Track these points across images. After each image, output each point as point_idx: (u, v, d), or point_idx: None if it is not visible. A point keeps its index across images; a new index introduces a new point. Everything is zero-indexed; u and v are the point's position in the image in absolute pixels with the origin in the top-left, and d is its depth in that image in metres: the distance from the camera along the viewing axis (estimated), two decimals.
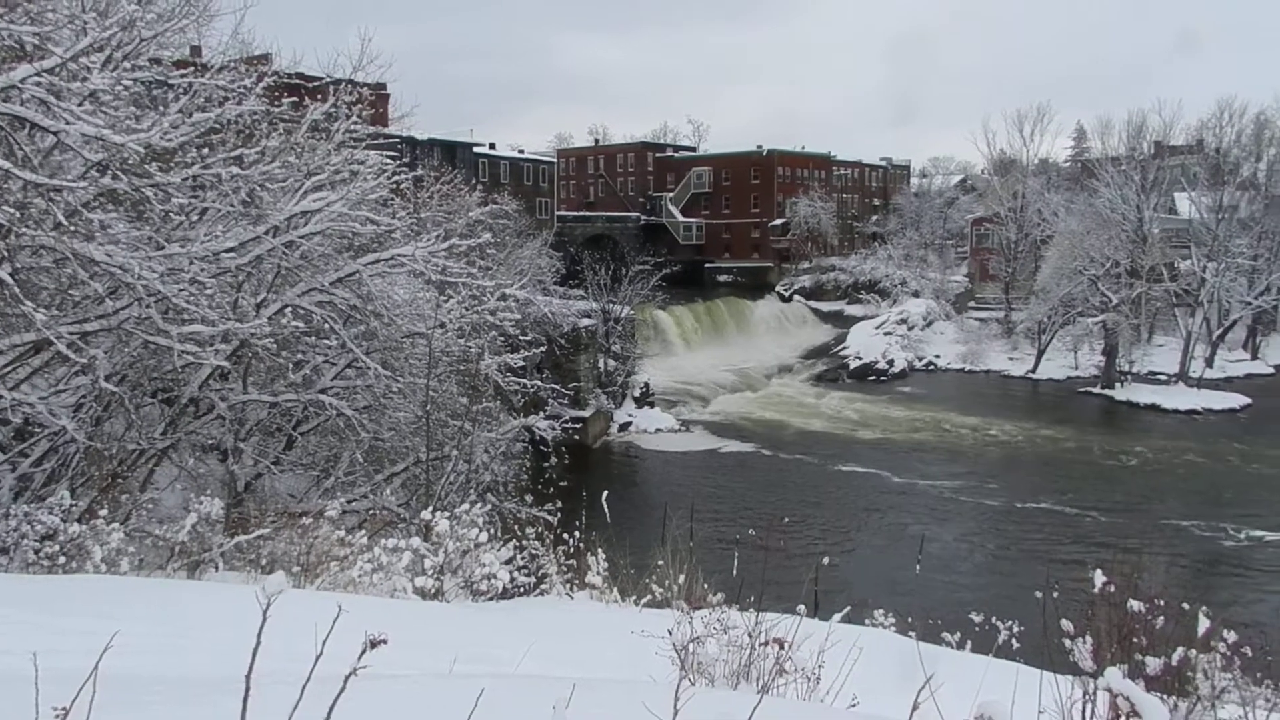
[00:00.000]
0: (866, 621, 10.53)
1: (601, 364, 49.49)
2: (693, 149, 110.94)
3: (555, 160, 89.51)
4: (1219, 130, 72.68)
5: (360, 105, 17.33)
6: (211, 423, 14.83)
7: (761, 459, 43.84)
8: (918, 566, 26.58)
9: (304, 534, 10.16)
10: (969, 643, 10.36)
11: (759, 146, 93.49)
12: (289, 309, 14.31)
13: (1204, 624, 4.52)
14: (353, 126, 16.83)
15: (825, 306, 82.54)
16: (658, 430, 48.47)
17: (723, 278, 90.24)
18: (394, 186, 19.11)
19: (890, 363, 65.09)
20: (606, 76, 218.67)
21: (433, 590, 9.20)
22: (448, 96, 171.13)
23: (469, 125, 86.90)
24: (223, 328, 12.02)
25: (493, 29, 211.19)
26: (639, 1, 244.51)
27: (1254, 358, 65.30)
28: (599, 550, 10.52)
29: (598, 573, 10.30)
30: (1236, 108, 71.46)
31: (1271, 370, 63.30)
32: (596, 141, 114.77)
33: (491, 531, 10.94)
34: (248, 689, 2.19)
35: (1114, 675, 2.26)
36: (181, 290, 11.20)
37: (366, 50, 20.00)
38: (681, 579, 9.43)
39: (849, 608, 10.30)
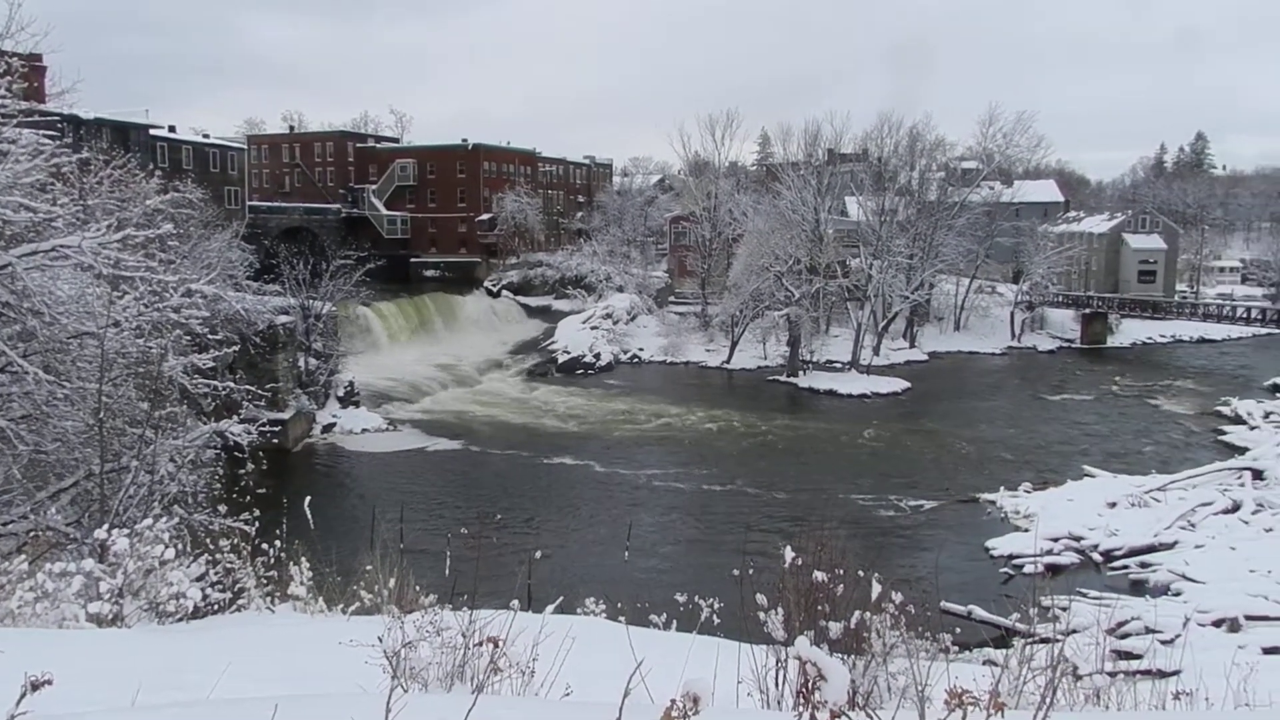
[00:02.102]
0: (579, 611, 10.76)
1: (302, 363, 47.09)
2: (396, 140, 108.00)
3: (246, 147, 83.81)
4: (880, 141, 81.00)
5: (10, 77, 15.32)
6: None
7: (473, 455, 43.60)
8: (626, 553, 27.56)
9: None
10: (675, 622, 10.87)
11: (465, 140, 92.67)
12: None
13: (876, 589, 5.01)
14: (0, 101, 14.86)
15: (534, 301, 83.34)
16: (364, 430, 46.88)
17: (430, 273, 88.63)
18: (54, 170, 17.07)
19: (597, 356, 66.88)
20: (301, 61, 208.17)
21: (110, 616, 8.32)
22: (117, 73, 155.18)
23: (144, 105, 79.42)
24: None
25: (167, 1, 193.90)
26: None
27: (912, 346, 73.42)
28: (302, 559, 10.02)
29: (301, 583, 9.81)
30: (894, 121, 79.97)
31: (926, 357, 71.49)
32: (291, 129, 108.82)
33: (180, 547, 10.09)
34: None
35: (802, 643, 2.45)
36: None
37: (16, 16, 17.66)
38: (392, 583, 9.18)
39: (561, 599, 10.47)
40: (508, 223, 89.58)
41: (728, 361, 67.62)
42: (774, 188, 75.47)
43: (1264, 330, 75.62)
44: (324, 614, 9.60)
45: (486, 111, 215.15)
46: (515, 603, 5.79)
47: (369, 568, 9.59)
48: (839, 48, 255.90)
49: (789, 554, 5.18)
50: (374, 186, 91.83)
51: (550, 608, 9.13)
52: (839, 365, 64.87)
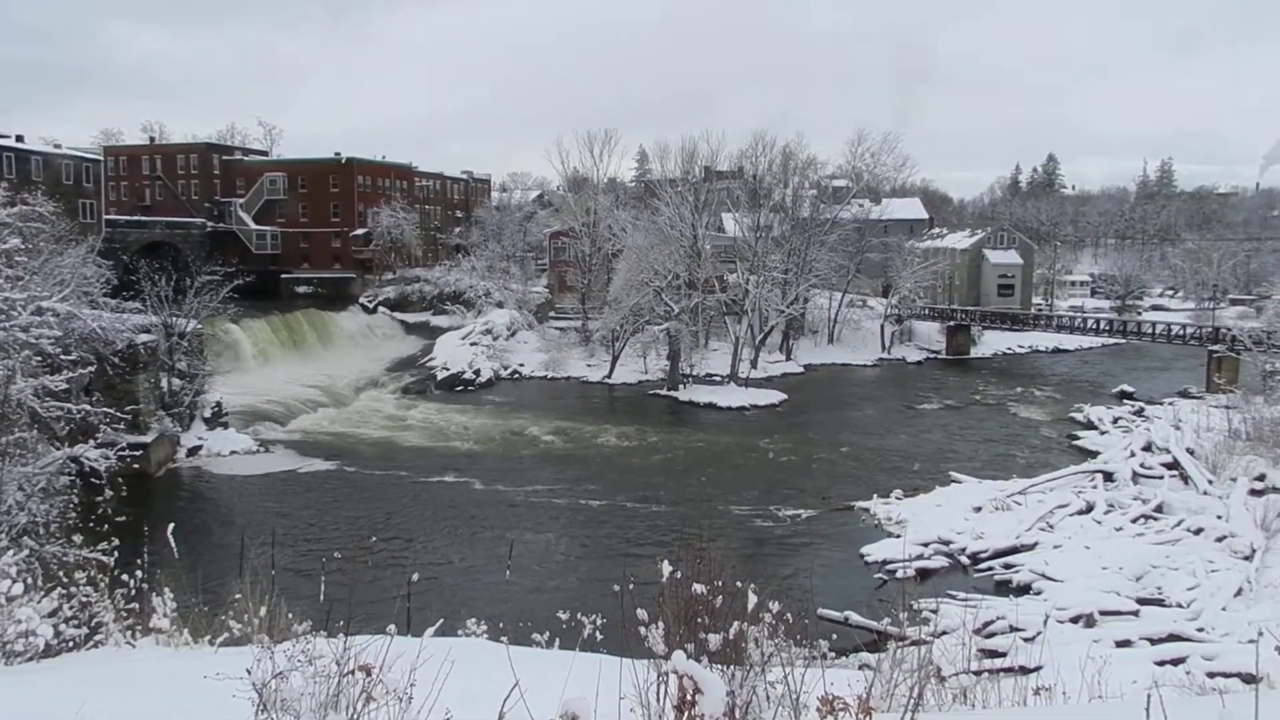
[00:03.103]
0: (460, 632, 10.61)
1: (165, 383, 45.02)
2: (265, 153, 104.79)
3: (103, 158, 79.80)
4: (755, 159, 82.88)
5: None
6: None
7: (349, 476, 42.45)
8: (508, 572, 27.27)
9: None
10: (558, 640, 10.83)
11: (337, 154, 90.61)
12: None
13: (752, 599, 5.09)
14: None
15: (411, 318, 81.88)
16: (233, 453, 45.11)
17: (302, 289, 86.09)
18: None
19: (477, 372, 66.13)
20: (163, 71, 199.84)
21: None
22: None
23: (14, 114, 75.00)
24: None
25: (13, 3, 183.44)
26: None
27: (788, 358, 75.14)
28: (165, 590, 9.58)
29: (165, 615, 9.37)
30: (768, 140, 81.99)
31: (802, 369, 73.29)
32: (152, 140, 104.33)
33: (30, 581, 9.53)
34: None
35: (678, 658, 2.47)
36: None
37: None
38: (263, 611, 8.87)
39: (442, 620, 10.29)
40: (384, 238, 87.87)
41: (609, 376, 67.82)
42: (652, 204, 76.35)
43: (1111, 340, 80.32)
44: (189, 647, 9.18)
45: (360, 125, 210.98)
46: (392, 627, 5.64)
47: (238, 596, 9.24)
48: (716, 69, 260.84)
49: (665, 568, 5.22)
50: (242, 200, 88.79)
51: (430, 630, 8.96)
52: (718, 378, 65.84)
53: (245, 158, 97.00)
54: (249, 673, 4.72)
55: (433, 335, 75.13)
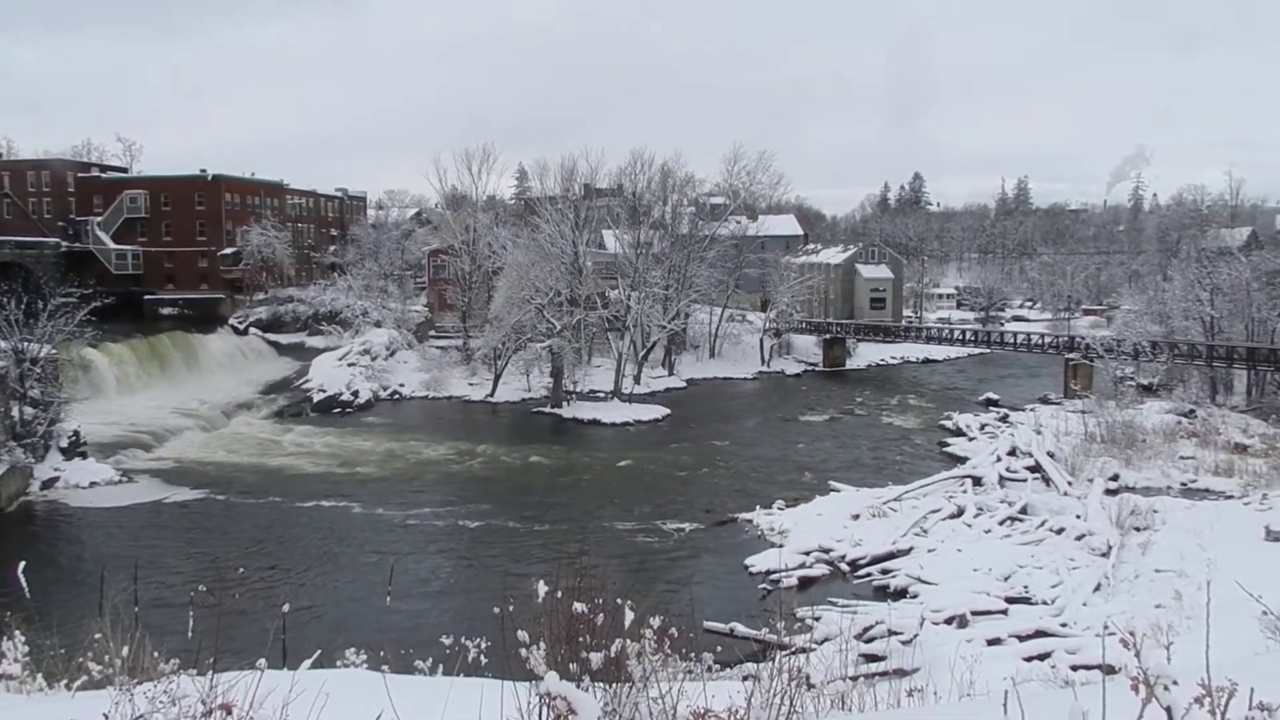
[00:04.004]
0: (338, 663, 10.29)
1: (16, 412, 42.39)
2: (124, 170, 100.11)
3: None
4: (634, 177, 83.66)
5: None
6: None
7: (220, 505, 40.77)
8: (388, 598, 26.61)
9: None
10: (441, 666, 10.62)
11: (203, 170, 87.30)
12: None
13: (629, 616, 5.11)
14: None
15: (285, 339, 79.39)
16: (93, 484, 42.77)
17: (167, 310, 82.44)
18: None
19: (355, 394, 64.56)
20: (9, 81, 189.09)
21: None
22: None
23: None
24: None
25: None
26: (58, 2, 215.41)
27: (671, 373, 75.80)
28: (15, 633, 9.00)
29: (16, 659, 8.80)
30: (646, 158, 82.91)
31: (684, 384, 74.06)
32: (0, 155, 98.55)
33: None
34: None
35: (551, 679, 2.46)
36: None
37: None
38: (125, 651, 8.41)
39: (319, 652, 9.98)
40: (254, 257, 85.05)
41: (491, 395, 67.14)
42: (533, 221, 76.18)
43: (977, 350, 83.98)
44: (44, 693, 8.65)
45: (228, 143, 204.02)
46: (262, 661, 5.42)
47: (98, 636, 8.74)
48: (595, 86, 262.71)
49: (541, 588, 5.20)
50: (100, 219, 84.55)
51: (306, 663, 8.68)
52: (602, 394, 65.96)
53: (103, 174, 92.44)
54: (105, 717, 4.48)
55: (308, 356, 72.99)
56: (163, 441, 51.55)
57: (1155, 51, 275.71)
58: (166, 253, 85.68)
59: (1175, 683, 3.17)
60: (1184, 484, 38.98)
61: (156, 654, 8.83)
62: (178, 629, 12.14)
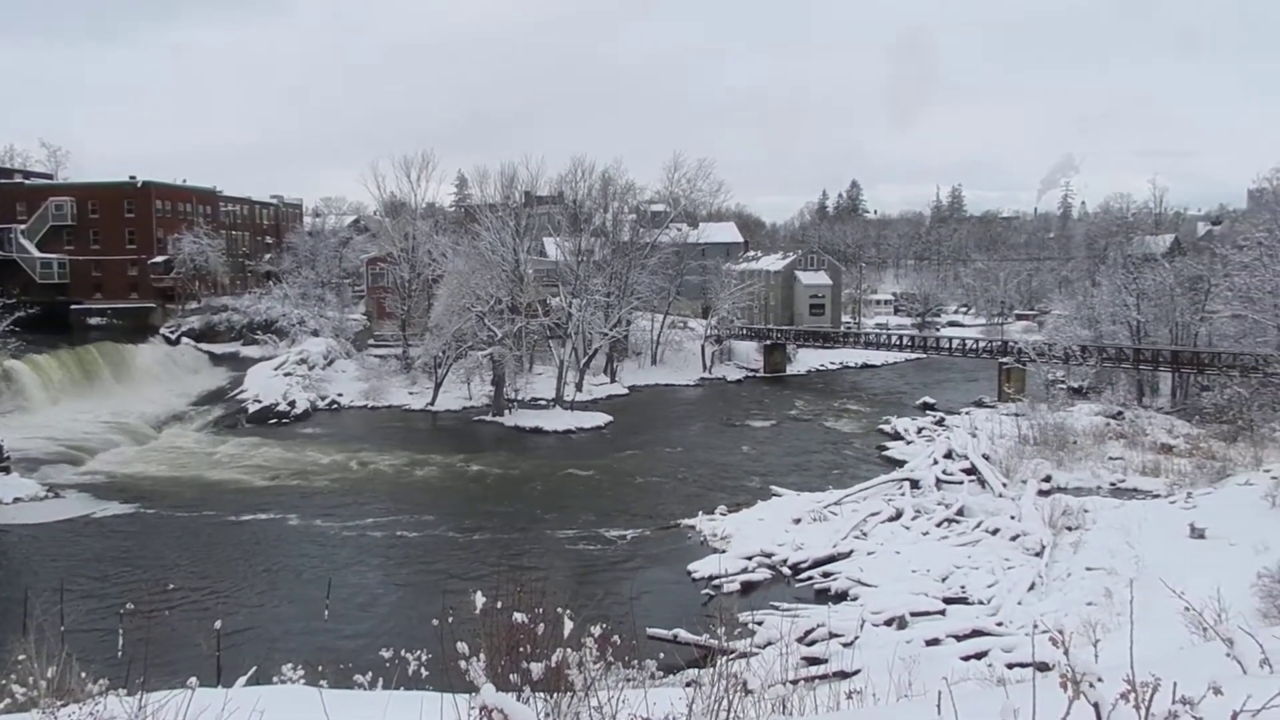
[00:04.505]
0: (275, 679, 10.10)
1: None
2: (50, 176, 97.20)
3: None
4: (575, 184, 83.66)
5: None
6: None
7: (151, 520, 39.73)
8: (326, 612, 26.17)
9: None
10: (381, 680, 10.46)
11: (133, 177, 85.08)
12: None
13: (569, 625, 5.09)
14: None
15: (219, 349, 77.67)
16: (16, 500, 41.40)
17: (96, 320, 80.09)
18: None
19: (292, 404, 63.46)
20: None
21: None
22: None
23: None
24: None
25: None
26: None
27: (613, 380, 75.84)
28: None
29: None
30: (587, 165, 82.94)
31: (627, 390, 74.11)
32: None
33: None
34: None
35: (487, 691, 2.44)
36: None
37: None
38: (51, 672, 8.16)
39: (255, 669, 9.79)
40: (186, 265, 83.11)
41: (432, 403, 66.48)
42: (473, 229, 75.67)
43: (914, 355, 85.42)
44: None
45: (160, 149, 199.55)
46: (193, 680, 5.31)
47: (22, 658, 8.46)
48: (534, 93, 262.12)
49: (479, 599, 5.16)
50: (23, 227, 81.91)
51: (241, 680, 8.51)
52: (544, 402, 65.71)
53: (27, 181, 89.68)
54: None
55: (243, 366, 71.52)
56: (91, 455, 50.14)
57: (1084, 62, 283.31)
58: (94, 261, 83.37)
59: (1100, 679, 3.25)
60: (1113, 484, 40.07)
61: (84, 675, 8.59)
62: (107, 649, 11.82)
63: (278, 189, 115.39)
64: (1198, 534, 27.56)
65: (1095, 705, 3.34)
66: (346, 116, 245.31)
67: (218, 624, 10.91)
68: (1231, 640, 4.38)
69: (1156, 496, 36.70)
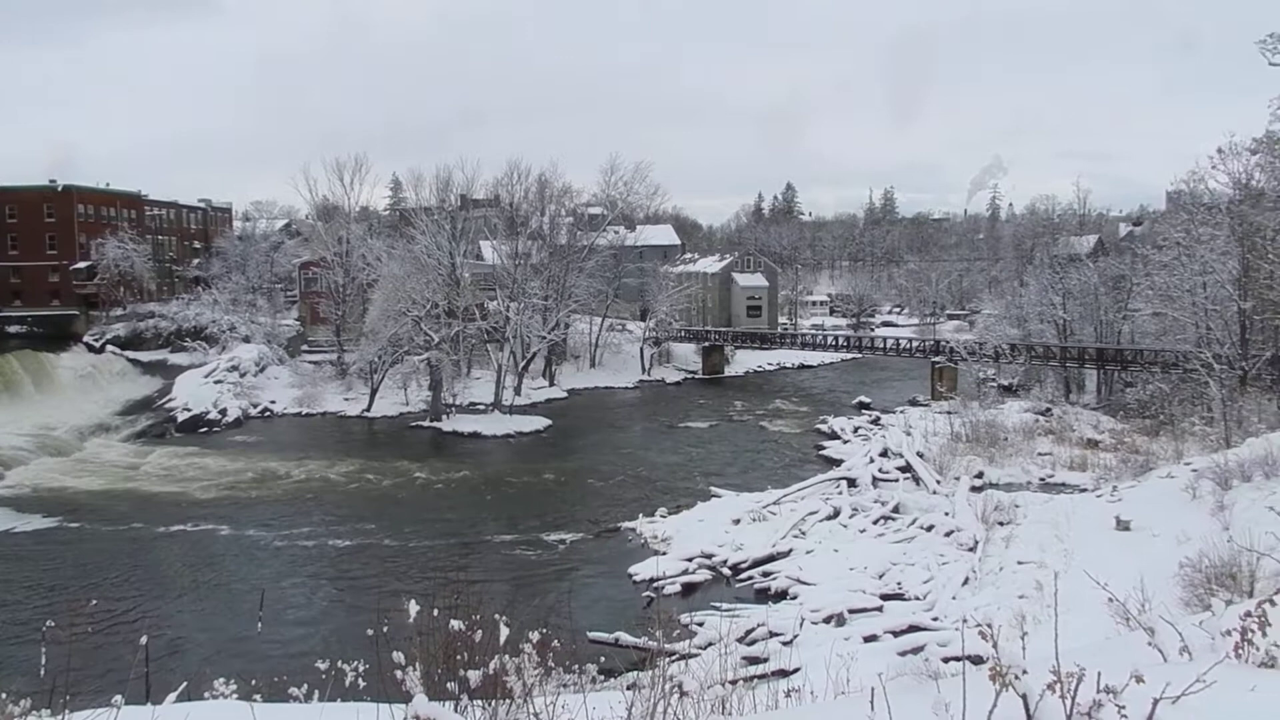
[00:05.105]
0: (206, 695, 9.85)
1: None
2: None
3: None
4: (511, 187, 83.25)
5: None
6: None
7: (74, 533, 38.54)
8: (259, 624, 25.65)
9: None
10: (317, 692, 10.27)
11: (53, 181, 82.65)
12: None
13: (505, 631, 5.06)
14: None
15: (146, 356, 75.68)
16: None
17: (14, 328, 77.54)
18: None
19: (223, 412, 62.14)
20: None
21: None
22: None
23: None
24: None
25: None
26: None
27: (552, 384, 75.60)
28: None
29: None
30: (524, 169, 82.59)
31: (566, 394, 73.95)
32: None
33: None
34: None
35: (419, 701, 2.41)
36: None
37: None
38: None
39: (185, 684, 9.55)
40: (110, 271, 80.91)
41: (368, 410, 65.59)
42: (408, 232, 74.84)
43: (849, 355, 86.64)
44: None
45: (79, 151, 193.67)
46: (119, 698, 5.16)
47: None
48: (468, 96, 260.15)
49: (413, 607, 5.10)
50: None
51: (171, 696, 8.28)
52: (482, 407, 65.23)
53: None
54: None
55: (171, 374, 69.82)
56: (10, 467, 48.53)
57: (1013, 67, 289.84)
58: (12, 267, 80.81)
59: (1025, 671, 3.32)
60: (1042, 479, 41.05)
61: (4, 695, 8.30)
62: (29, 667, 11.42)
63: (206, 193, 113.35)
64: (1123, 526, 28.31)
65: (1023, 696, 3.41)
66: (277, 120, 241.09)
67: (144, 639, 10.62)
68: (1153, 629, 4.52)
69: (1084, 490, 37.57)
